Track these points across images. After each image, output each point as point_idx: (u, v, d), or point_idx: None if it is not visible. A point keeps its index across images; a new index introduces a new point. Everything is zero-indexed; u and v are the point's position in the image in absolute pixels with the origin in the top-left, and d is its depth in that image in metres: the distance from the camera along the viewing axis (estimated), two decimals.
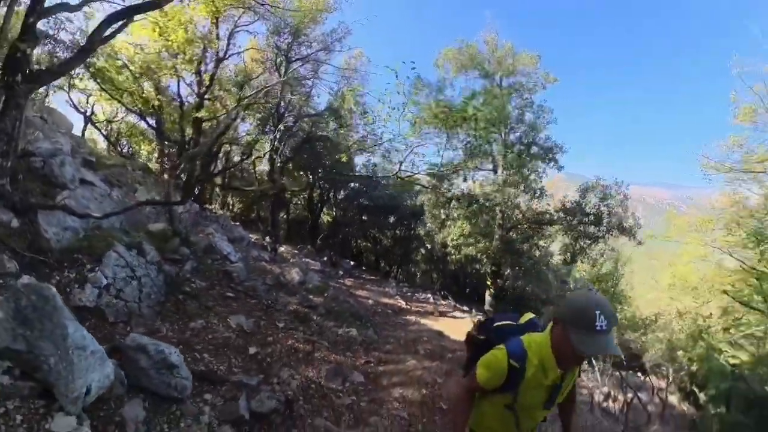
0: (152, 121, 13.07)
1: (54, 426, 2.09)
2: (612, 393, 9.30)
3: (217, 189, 17.87)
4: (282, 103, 13.16)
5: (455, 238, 10.12)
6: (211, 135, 10.69)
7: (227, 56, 11.70)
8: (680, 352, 11.48)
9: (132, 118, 14.58)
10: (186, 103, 12.20)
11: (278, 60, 12.97)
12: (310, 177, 16.80)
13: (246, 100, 11.35)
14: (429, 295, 14.50)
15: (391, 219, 18.58)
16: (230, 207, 17.02)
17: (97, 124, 14.17)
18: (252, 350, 3.69)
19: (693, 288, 10.20)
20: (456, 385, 2.04)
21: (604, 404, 8.42)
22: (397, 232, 19.83)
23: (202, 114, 11.26)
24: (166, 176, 8.78)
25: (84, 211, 4.17)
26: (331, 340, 5.01)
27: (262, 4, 8.62)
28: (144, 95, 11.71)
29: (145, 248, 4.47)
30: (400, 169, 11.84)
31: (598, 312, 1.53)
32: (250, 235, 10.71)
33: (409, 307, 11.44)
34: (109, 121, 14.69)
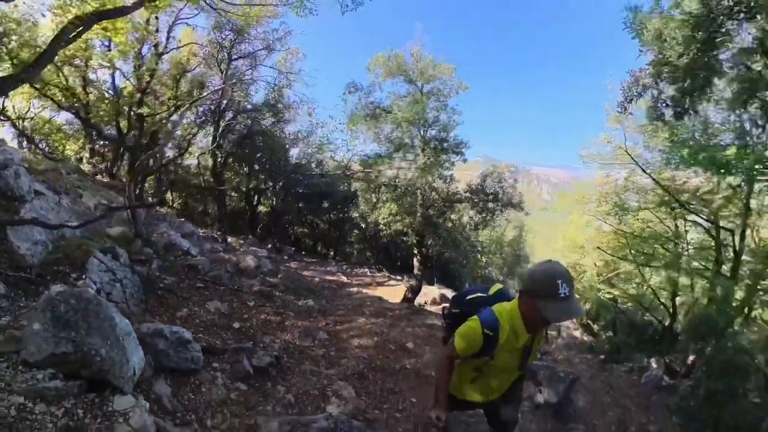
0: (76, 117, 11.72)
1: (116, 406, 2.33)
2: None
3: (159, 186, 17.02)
4: (224, 100, 13.10)
5: (385, 217, 11.78)
6: (165, 135, 10.42)
7: (167, 50, 11.16)
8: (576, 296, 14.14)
9: (48, 113, 12.89)
10: (122, 98, 11.26)
11: (219, 56, 12.79)
12: (246, 169, 16.80)
13: (197, 100, 11.19)
14: (366, 269, 15.71)
15: (326, 204, 19.18)
16: (171, 203, 16.43)
17: (9, 122, 12.01)
18: (236, 325, 4.36)
19: (580, 247, 12.74)
20: (438, 355, 2.13)
21: None
22: (332, 216, 20.50)
23: (144, 110, 10.72)
24: (102, 177, 8.52)
25: (56, 222, 4.30)
26: (295, 310, 5.77)
27: (214, 8, 8.49)
28: (69, 88, 10.57)
29: (118, 252, 4.79)
30: (335, 160, 13.12)
31: (559, 281, 1.67)
32: (198, 230, 10.83)
33: (350, 281, 12.43)
34: (21, 118, 12.47)
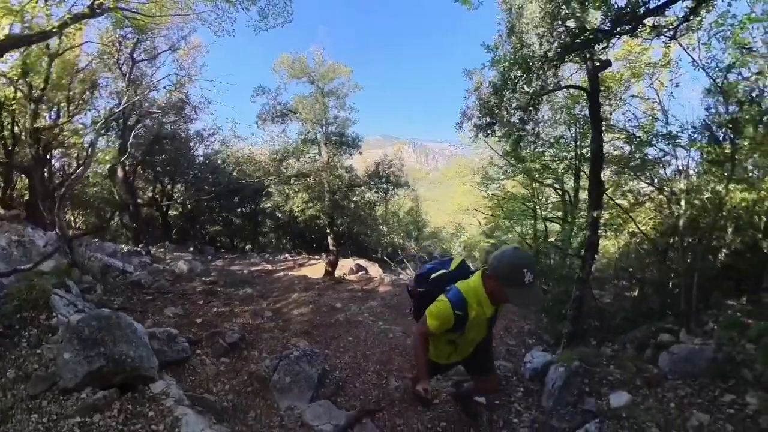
0: None
1: (154, 390, 2.80)
2: None
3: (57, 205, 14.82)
4: (127, 105, 12.13)
5: (299, 205, 13.02)
6: (85, 158, 9.10)
7: (61, 52, 9.34)
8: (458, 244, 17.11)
9: None
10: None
11: (120, 57, 11.77)
12: (151, 175, 15.94)
13: (111, 117, 10.10)
14: (286, 255, 16.52)
15: (237, 199, 19.06)
16: (74, 223, 14.81)
17: None
18: (198, 321, 5.21)
19: (466, 209, 15.45)
20: (415, 331, 2.20)
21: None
22: (244, 209, 20.50)
23: (41, 123, 9.24)
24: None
25: (10, 268, 4.54)
26: (238, 299, 6.52)
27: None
28: None
29: (69, 284, 5.10)
30: (243, 156, 13.84)
31: (525, 270, 1.79)
32: (119, 246, 10.53)
33: (275, 267, 13.21)
34: None
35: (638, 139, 6.12)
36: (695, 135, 4.96)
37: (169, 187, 18.43)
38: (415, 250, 16.73)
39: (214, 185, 17.45)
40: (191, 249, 14.61)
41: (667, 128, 5.94)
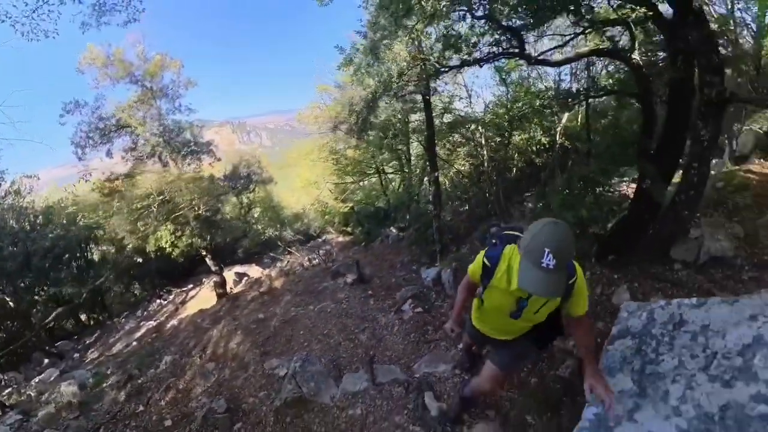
0: None
1: None
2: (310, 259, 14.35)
3: None
4: None
5: (168, 238, 10.39)
6: None
7: None
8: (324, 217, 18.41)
9: None
10: None
11: None
12: None
13: None
14: (156, 301, 14.43)
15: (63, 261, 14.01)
16: None
17: None
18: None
19: (314, 182, 16.13)
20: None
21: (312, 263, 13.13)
22: (75, 270, 14.73)
23: None
24: None
25: None
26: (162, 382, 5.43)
27: None
28: None
29: None
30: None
31: (547, 249, 1.42)
32: None
33: (161, 320, 11.73)
34: None
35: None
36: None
37: None
38: (291, 235, 16.98)
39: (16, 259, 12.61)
40: (46, 362, 10.31)
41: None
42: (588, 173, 4.03)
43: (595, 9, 3.76)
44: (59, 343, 12.10)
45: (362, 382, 3.75)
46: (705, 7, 3.61)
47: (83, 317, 15.02)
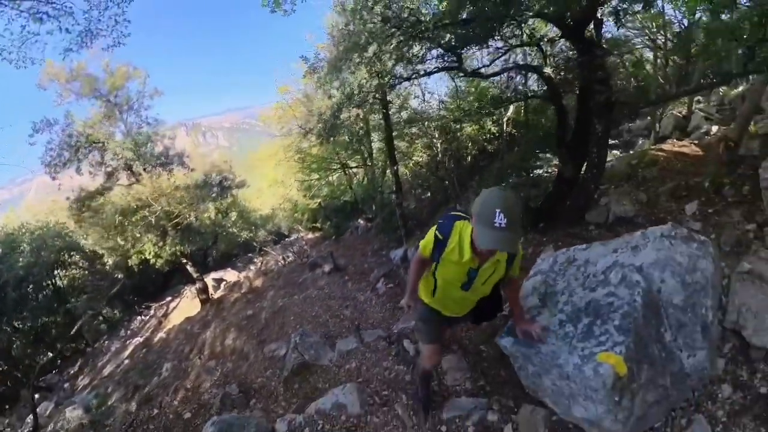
0: None
1: None
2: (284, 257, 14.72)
3: None
4: None
5: (151, 249, 10.32)
6: None
7: None
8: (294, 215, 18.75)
9: None
10: None
11: None
12: None
13: None
14: (137, 318, 14.05)
15: (30, 289, 12.95)
16: None
17: None
18: None
19: (281, 181, 16.38)
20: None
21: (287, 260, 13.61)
22: (40, 300, 13.54)
23: None
24: None
25: None
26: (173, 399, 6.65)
27: None
28: None
29: None
30: None
31: (498, 210, 1.52)
32: None
33: (147, 336, 11.73)
34: None
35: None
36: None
37: None
38: (265, 236, 17.21)
39: None
40: (37, 397, 9.54)
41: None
42: (514, 161, 5.04)
43: (516, 33, 4.70)
44: (43, 377, 11.70)
45: (353, 343, 4.53)
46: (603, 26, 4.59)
47: (58, 346, 14.27)
